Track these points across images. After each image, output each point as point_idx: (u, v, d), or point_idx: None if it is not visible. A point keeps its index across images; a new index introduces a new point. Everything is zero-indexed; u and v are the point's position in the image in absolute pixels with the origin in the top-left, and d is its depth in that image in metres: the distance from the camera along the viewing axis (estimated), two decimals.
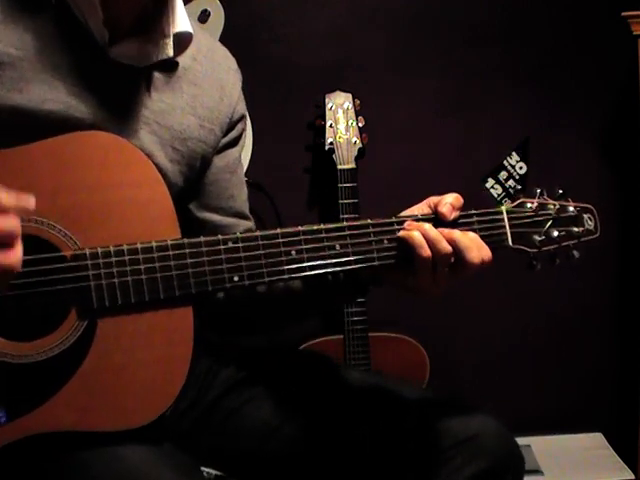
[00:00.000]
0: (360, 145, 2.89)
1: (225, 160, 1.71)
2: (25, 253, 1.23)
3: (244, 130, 1.76)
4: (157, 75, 1.55)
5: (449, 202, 1.48)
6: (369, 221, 1.48)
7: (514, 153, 3.19)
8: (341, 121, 2.90)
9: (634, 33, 2.72)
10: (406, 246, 1.45)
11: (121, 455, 1.36)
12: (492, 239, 1.51)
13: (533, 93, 3.19)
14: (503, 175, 3.20)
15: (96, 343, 1.35)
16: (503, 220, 1.54)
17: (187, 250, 1.38)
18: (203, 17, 2.86)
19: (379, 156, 3.05)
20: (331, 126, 2.89)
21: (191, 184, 1.64)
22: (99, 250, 1.33)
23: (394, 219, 1.49)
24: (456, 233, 1.45)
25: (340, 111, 2.90)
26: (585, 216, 1.60)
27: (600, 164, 3.21)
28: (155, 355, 1.39)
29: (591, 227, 1.60)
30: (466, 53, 3.15)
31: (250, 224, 1.77)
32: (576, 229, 1.58)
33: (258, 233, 1.43)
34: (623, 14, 2.71)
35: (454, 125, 3.19)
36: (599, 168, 3.21)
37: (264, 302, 1.68)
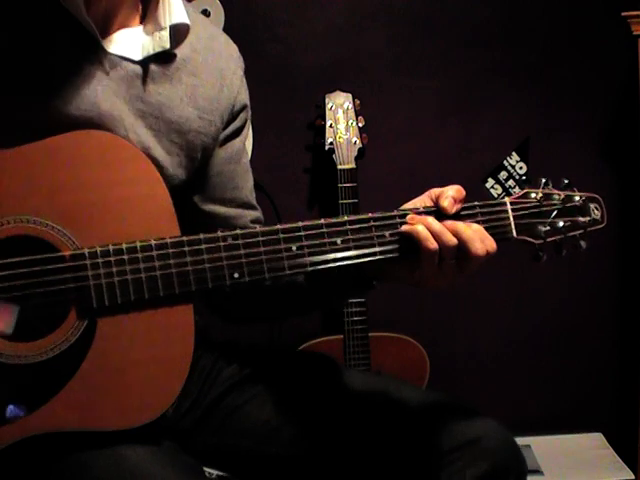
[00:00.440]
0: (360, 145, 2.89)
1: (229, 151, 1.69)
2: (23, 253, 1.23)
3: (247, 119, 1.74)
4: (154, 67, 1.53)
5: (450, 195, 1.47)
6: (370, 215, 1.47)
7: (514, 153, 3.19)
8: (341, 121, 2.90)
9: (634, 33, 2.72)
10: (411, 240, 1.44)
11: (122, 455, 1.36)
12: (496, 231, 1.49)
13: (533, 93, 3.19)
14: (503, 175, 3.20)
15: (96, 342, 1.35)
16: (507, 211, 1.52)
17: (186, 248, 1.38)
18: None
19: (379, 156, 3.06)
20: (331, 126, 2.89)
21: (194, 176, 1.63)
22: (98, 249, 1.33)
23: (396, 212, 1.48)
24: (459, 225, 1.44)
25: (340, 111, 2.90)
26: (591, 205, 1.57)
27: (600, 164, 3.21)
28: (156, 354, 1.39)
29: (597, 217, 1.57)
30: (466, 53, 3.15)
31: (257, 214, 1.77)
32: (582, 219, 1.55)
33: (258, 229, 1.42)
34: (623, 14, 2.71)
35: (454, 125, 3.19)
36: (599, 168, 3.20)
37: (267, 293, 1.67)
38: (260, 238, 1.42)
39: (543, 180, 1.56)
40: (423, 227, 1.43)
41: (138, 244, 1.35)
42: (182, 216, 1.44)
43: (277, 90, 3.12)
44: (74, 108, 1.42)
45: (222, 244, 1.40)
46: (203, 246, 1.39)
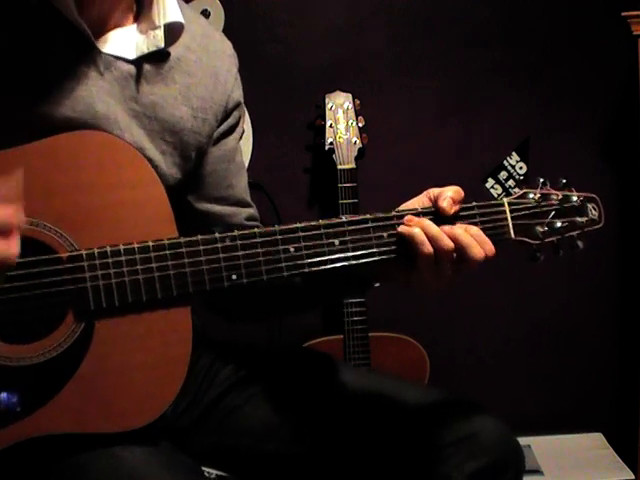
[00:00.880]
0: (360, 145, 2.89)
1: (222, 149, 1.69)
2: (21, 255, 1.23)
3: (241, 117, 1.74)
4: (148, 67, 1.53)
5: (449, 196, 1.46)
6: (368, 216, 1.47)
7: (514, 153, 3.19)
8: (341, 121, 2.90)
9: (634, 33, 2.72)
10: (407, 242, 1.44)
11: (120, 457, 1.36)
12: (494, 232, 1.49)
13: (533, 93, 3.18)
14: (503, 175, 3.20)
15: (93, 345, 1.35)
16: (505, 212, 1.51)
17: (184, 249, 1.38)
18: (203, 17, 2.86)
19: (379, 156, 3.06)
20: (331, 126, 2.89)
21: (189, 175, 1.63)
22: (95, 251, 1.33)
23: (394, 213, 1.47)
24: (457, 230, 1.44)
25: (340, 111, 2.90)
26: (589, 206, 1.56)
27: (600, 164, 3.21)
28: (153, 357, 1.39)
29: (595, 217, 1.56)
30: (466, 53, 3.15)
31: (251, 211, 1.76)
32: (580, 219, 1.54)
33: (256, 230, 1.42)
34: (623, 14, 2.71)
35: (454, 125, 3.19)
36: (599, 168, 3.20)
37: (265, 292, 1.66)
38: (258, 239, 1.41)
39: (541, 180, 1.56)
40: (419, 230, 1.43)
41: (136, 246, 1.35)
42: (177, 216, 1.43)
43: (277, 90, 3.12)
44: (69, 109, 1.42)
45: (220, 245, 1.39)
46: (201, 247, 1.38)
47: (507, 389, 3.23)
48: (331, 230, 1.45)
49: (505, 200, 1.52)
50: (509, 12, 3.14)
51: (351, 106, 2.91)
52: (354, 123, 2.90)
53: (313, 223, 1.44)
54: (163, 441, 1.49)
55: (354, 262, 1.46)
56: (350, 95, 2.92)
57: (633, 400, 3.04)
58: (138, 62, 1.51)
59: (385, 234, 1.46)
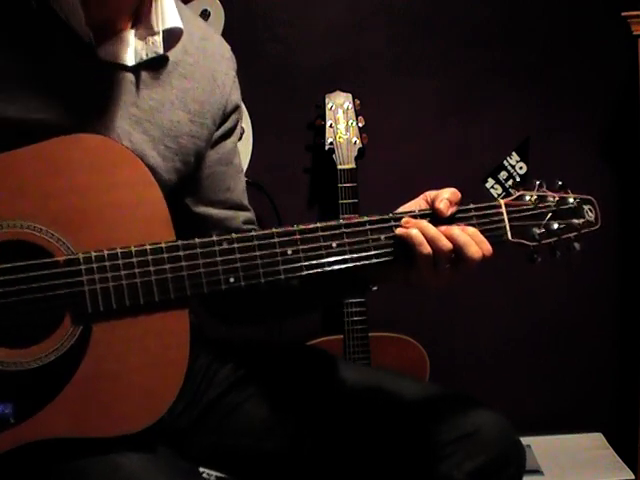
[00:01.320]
0: (360, 145, 2.89)
1: (220, 152, 1.69)
2: (17, 259, 1.23)
3: (239, 120, 1.73)
4: (146, 72, 1.53)
5: (446, 197, 1.47)
6: (366, 218, 1.47)
7: (514, 153, 3.19)
8: (341, 121, 2.90)
9: (634, 33, 2.71)
10: (405, 244, 1.45)
11: (117, 463, 1.36)
12: (491, 233, 1.49)
13: (533, 93, 3.18)
14: (503, 175, 3.20)
15: (91, 349, 1.35)
16: (502, 214, 1.52)
17: (181, 252, 1.38)
18: (203, 17, 2.86)
19: (379, 156, 3.05)
20: (331, 126, 2.89)
21: (186, 180, 1.62)
22: (92, 254, 1.33)
23: (391, 215, 1.48)
24: (455, 229, 1.44)
25: (340, 111, 2.90)
26: (585, 207, 1.57)
27: (600, 164, 3.21)
28: (151, 360, 1.38)
29: (591, 218, 1.57)
30: (466, 53, 3.14)
31: (249, 215, 1.76)
32: (576, 221, 1.55)
33: (253, 233, 1.42)
34: (623, 14, 2.71)
35: (454, 125, 3.19)
36: (599, 168, 3.20)
37: (263, 295, 1.66)
38: (255, 242, 1.41)
39: (537, 182, 1.56)
40: (417, 231, 1.44)
41: (133, 249, 1.35)
42: (175, 219, 1.43)
43: (277, 90, 3.12)
44: (67, 115, 1.43)
45: (217, 249, 1.39)
46: (198, 251, 1.38)
47: (507, 389, 3.23)
48: (329, 233, 1.45)
49: (502, 202, 1.53)
50: (509, 12, 3.14)
51: (351, 106, 2.91)
52: (354, 123, 2.90)
53: (310, 226, 1.44)
54: (161, 446, 1.48)
55: (352, 265, 1.46)
56: (350, 95, 2.92)
57: (633, 400, 3.04)
58: (137, 68, 1.51)
59: (382, 236, 1.47)
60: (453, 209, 1.48)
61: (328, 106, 2.90)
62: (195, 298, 1.41)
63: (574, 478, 2.98)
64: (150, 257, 1.36)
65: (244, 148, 2.90)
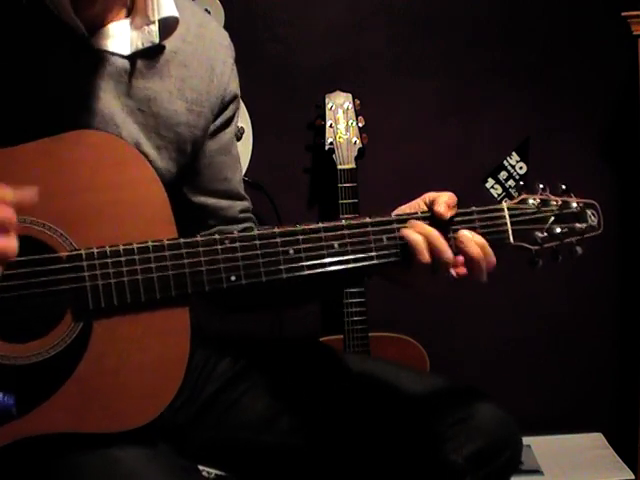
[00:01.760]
0: (360, 145, 2.89)
1: (218, 142, 1.69)
2: (20, 254, 1.23)
3: (237, 110, 1.73)
4: (143, 62, 1.53)
5: (445, 201, 1.47)
6: (368, 220, 1.47)
7: (514, 153, 3.19)
8: (341, 121, 2.90)
9: (634, 33, 2.72)
10: (407, 247, 1.45)
11: (116, 458, 1.36)
12: (493, 236, 1.50)
13: (533, 93, 3.18)
14: (503, 175, 3.20)
15: (92, 345, 1.35)
16: (504, 217, 1.52)
17: (184, 250, 1.37)
18: None
19: (379, 156, 3.06)
20: (331, 126, 2.89)
21: (184, 169, 1.62)
22: (95, 250, 1.33)
23: (394, 217, 1.48)
24: (470, 246, 1.45)
25: (340, 111, 2.90)
26: (588, 212, 1.57)
27: (600, 164, 3.21)
28: (151, 357, 1.38)
29: (594, 223, 1.57)
30: (466, 53, 3.15)
31: (246, 204, 1.77)
32: (579, 225, 1.55)
33: (255, 232, 1.42)
34: (623, 14, 2.71)
35: (454, 125, 3.19)
36: (599, 168, 3.20)
37: (263, 287, 1.67)
38: (257, 242, 1.41)
39: (540, 186, 1.57)
40: (423, 239, 1.44)
41: (135, 246, 1.35)
42: (173, 209, 1.43)
43: (277, 90, 3.12)
44: (64, 107, 1.43)
45: (219, 247, 1.40)
46: (200, 249, 1.38)
47: (507, 389, 3.21)
48: (330, 233, 1.45)
49: (504, 205, 1.53)
50: (509, 12, 3.14)
51: (351, 106, 2.91)
52: (354, 123, 2.90)
53: (312, 226, 1.45)
54: (161, 443, 1.48)
55: (353, 265, 1.46)
56: (350, 95, 2.92)
57: (633, 400, 3.04)
58: (132, 57, 1.51)
59: (384, 237, 1.47)
60: (452, 212, 1.48)
61: (328, 106, 2.90)
62: (196, 296, 1.40)
63: (574, 478, 2.98)
64: (152, 254, 1.36)
65: (244, 148, 2.90)
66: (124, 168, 1.39)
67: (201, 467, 2.05)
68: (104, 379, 1.36)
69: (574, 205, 1.56)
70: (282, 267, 1.43)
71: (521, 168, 3.19)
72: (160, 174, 1.44)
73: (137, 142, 1.49)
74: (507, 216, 1.52)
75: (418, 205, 1.52)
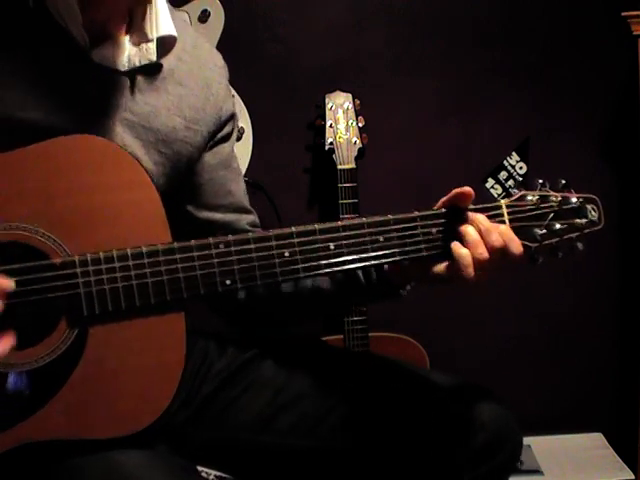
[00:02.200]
0: (360, 145, 2.89)
1: (218, 157, 1.70)
2: (13, 261, 1.23)
3: (235, 127, 1.75)
4: (141, 77, 1.54)
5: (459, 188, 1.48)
6: (364, 220, 1.47)
7: (514, 153, 3.19)
8: (341, 121, 2.90)
9: (634, 33, 2.71)
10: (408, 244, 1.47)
11: (115, 461, 1.36)
12: None
13: (533, 93, 3.18)
14: (503, 175, 3.20)
15: (87, 351, 1.35)
16: (503, 215, 1.51)
17: (178, 255, 1.37)
18: (203, 17, 2.86)
19: (379, 156, 3.05)
20: (331, 126, 2.89)
21: (182, 185, 1.63)
22: (88, 257, 1.33)
23: (390, 217, 1.48)
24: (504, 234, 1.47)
25: (340, 111, 2.90)
26: (589, 207, 1.56)
27: (600, 164, 3.20)
28: (147, 362, 1.39)
29: (595, 218, 1.56)
30: (466, 53, 3.14)
31: (253, 217, 1.77)
32: (579, 221, 1.54)
33: (250, 235, 1.42)
34: (623, 14, 2.70)
35: (454, 125, 3.19)
36: (599, 168, 3.19)
37: (289, 301, 1.68)
38: (252, 245, 1.41)
39: (540, 182, 1.55)
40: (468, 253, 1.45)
41: (129, 251, 1.35)
42: (176, 227, 1.43)
43: (277, 90, 3.12)
44: (62, 119, 1.43)
45: (214, 251, 1.39)
46: (195, 253, 1.38)
47: (507, 389, 3.20)
48: (327, 235, 1.45)
49: (503, 202, 1.52)
50: (509, 12, 3.14)
51: (351, 106, 2.91)
52: (354, 123, 2.90)
53: (308, 228, 1.44)
54: (160, 445, 1.49)
55: (350, 266, 1.46)
56: (350, 95, 2.92)
57: (633, 400, 3.04)
58: (131, 73, 1.52)
59: (381, 237, 1.46)
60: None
61: (328, 106, 2.90)
62: (192, 300, 1.40)
63: (574, 478, 2.98)
64: (146, 260, 1.36)
65: (244, 148, 2.90)
66: (117, 172, 1.39)
67: (200, 468, 2.05)
68: (100, 384, 1.36)
69: (574, 200, 1.55)
70: (277, 270, 1.42)
71: (521, 168, 3.19)
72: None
73: (136, 157, 1.49)
74: (505, 213, 1.51)
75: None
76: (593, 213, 1.56)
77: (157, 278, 1.36)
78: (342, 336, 2.87)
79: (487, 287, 3.07)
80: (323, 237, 1.44)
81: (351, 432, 1.64)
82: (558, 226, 1.53)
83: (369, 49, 3.14)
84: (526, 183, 1.56)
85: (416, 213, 1.49)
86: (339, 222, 1.46)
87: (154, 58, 1.53)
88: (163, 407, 1.40)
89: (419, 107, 3.18)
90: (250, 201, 1.80)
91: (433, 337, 3.13)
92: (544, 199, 1.54)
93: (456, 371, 3.17)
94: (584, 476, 2.98)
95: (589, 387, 3.31)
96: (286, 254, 1.42)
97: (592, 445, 3.20)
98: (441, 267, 1.49)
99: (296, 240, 1.43)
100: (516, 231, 1.50)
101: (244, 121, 2.91)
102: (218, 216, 1.70)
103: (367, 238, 1.46)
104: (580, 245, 1.55)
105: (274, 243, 1.42)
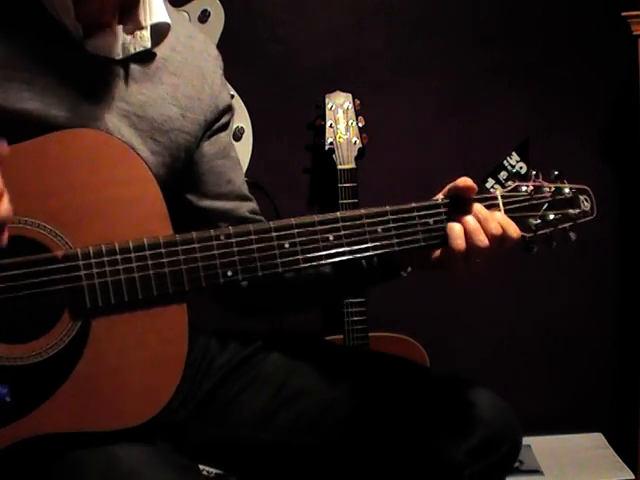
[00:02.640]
0: (360, 145, 2.89)
1: (216, 146, 1.71)
2: (16, 254, 1.23)
3: (232, 119, 1.76)
4: (135, 67, 1.55)
5: (462, 179, 1.52)
6: (362, 211, 1.48)
7: (514, 153, 3.18)
8: (341, 121, 2.90)
9: (634, 33, 2.72)
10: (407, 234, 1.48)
11: (115, 456, 1.36)
12: None
13: (533, 93, 3.18)
14: (503, 175, 3.18)
15: (90, 344, 1.35)
16: (498, 205, 1.54)
17: (179, 247, 1.38)
18: (203, 17, 2.86)
19: (379, 156, 3.05)
20: (331, 126, 2.89)
21: (182, 175, 1.64)
22: (90, 249, 1.33)
23: (388, 209, 1.49)
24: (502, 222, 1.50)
25: (340, 111, 2.90)
26: (581, 197, 1.59)
27: (600, 164, 3.20)
28: (150, 355, 1.39)
29: (587, 208, 1.59)
30: (466, 53, 3.15)
31: (253, 204, 1.78)
32: (572, 211, 1.57)
33: (251, 227, 1.43)
34: (623, 14, 2.71)
35: (454, 125, 3.19)
36: (599, 168, 3.19)
37: (291, 287, 1.68)
38: (253, 236, 1.42)
39: (533, 172, 1.58)
40: (460, 227, 1.48)
41: (131, 244, 1.36)
42: (177, 216, 1.44)
43: (277, 90, 3.12)
44: (56, 109, 1.44)
45: (215, 243, 1.40)
46: (196, 245, 1.39)
47: (507, 389, 3.20)
48: (326, 226, 1.46)
49: (498, 193, 1.54)
50: (509, 12, 3.14)
51: (351, 106, 2.91)
52: (354, 123, 2.90)
53: (307, 219, 1.46)
54: (160, 441, 1.49)
55: (349, 257, 1.47)
56: (350, 95, 2.92)
57: (633, 400, 3.03)
58: (125, 62, 1.53)
59: (379, 228, 1.48)
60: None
61: (328, 106, 2.90)
62: (194, 292, 1.40)
63: (574, 478, 2.97)
64: (148, 252, 1.36)
65: (244, 148, 2.90)
66: (117, 166, 1.40)
67: (201, 466, 2.05)
68: (103, 377, 1.37)
69: (567, 191, 1.58)
70: (278, 261, 1.44)
71: (521, 168, 3.18)
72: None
73: (132, 146, 1.49)
74: (501, 204, 1.54)
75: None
76: (586, 203, 1.59)
77: (159, 270, 1.37)
78: (342, 336, 2.87)
79: (486, 288, 3.08)
80: (322, 228, 1.45)
81: (351, 427, 1.64)
82: (552, 216, 1.56)
83: (369, 49, 3.14)
84: (520, 174, 1.58)
85: (413, 204, 1.50)
86: (338, 213, 1.47)
87: (149, 45, 1.53)
88: (166, 399, 1.40)
89: (419, 107, 3.18)
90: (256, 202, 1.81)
91: (433, 337, 3.13)
92: (538, 190, 1.58)
93: (456, 371, 3.19)
94: (584, 476, 2.98)
95: (589, 387, 3.30)
96: (286, 245, 1.44)
97: (592, 445, 3.19)
98: (437, 252, 1.52)
99: (296, 231, 1.44)
100: (512, 221, 1.53)
101: (244, 121, 2.91)
102: (219, 204, 1.71)
103: (366, 229, 1.47)
104: (573, 235, 1.58)
105: (274, 234, 1.43)
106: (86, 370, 1.35)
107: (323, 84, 2.98)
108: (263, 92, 3.05)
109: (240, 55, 3.03)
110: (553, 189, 1.57)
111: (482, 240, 1.46)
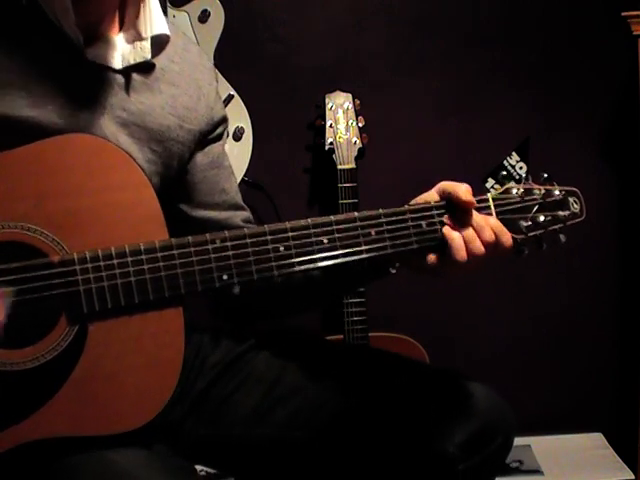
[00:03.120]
0: (360, 145, 2.89)
1: (210, 156, 1.72)
2: (12, 260, 1.23)
3: (226, 130, 1.77)
4: (135, 76, 1.55)
5: (467, 190, 1.50)
6: (356, 214, 1.48)
7: (514, 153, 3.18)
8: (341, 121, 2.90)
9: (634, 33, 2.71)
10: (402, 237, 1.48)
11: (111, 460, 1.36)
12: None
13: (533, 93, 3.18)
14: (503, 175, 3.19)
15: (87, 348, 1.35)
16: (489, 208, 1.54)
17: (175, 251, 1.38)
18: (203, 17, 2.87)
19: (379, 156, 3.05)
20: (331, 126, 2.89)
21: (167, 185, 1.64)
22: (87, 254, 1.33)
23: (381, 212, 1.49)
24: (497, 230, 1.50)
25: (340, 111, 2.91)
26: (570, 199, 1.59)
27: (600, 164, 3.21)
28: (146, 359, 1.39)
29: (577, 210, 1.59)
30: (466, 53, 3.15)
31: (247, 214, 1.79)
32: (562, 213, 1.57)
33: (246, 231, 1.43)
34: (623, 14, 2.70)
35: (454, 125, 3.19)
36: (599, 168, 3.20)
37: (283, 291, 1.68)
38: (248, 240, 1.42)
39: (523, 175, 1.58)
40: (459, 236, 1.48)
41: (127, 248, 1.35)
42: (171, 226, 1.44)
43: (277, 90, 3.12)
44: (55, 116, 1.44)
45: (210, 247, 1.40)
46: (192, 249, 1.39)
47: (507, 389, 3.20)
48: (320, 229, 1.46)
49: (489, 196, 1.55)
50: (509, 12, 3.14)
51: (351, 106, 2.91)
52: (354, 123, 2.90)
53: (302, 222, 1.46)
54: (157, 444, 1.49)
55: (343, 260, 1.47)
56: (350, 95, 2.92)
57: (633, 400, 3.03)
58: (125, 71, 1.53)
59: (373, 231, 1.48)
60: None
61: (328, 106, 2.90)
62: (189, 296, 1.41)
63: (574, 478, 2.97)
64: (144, 256, 1.36)
65: (244, 148, 2.90)
66: (113, 171, 1.40)
67: (198, 467, 2.05)
68: (101, 382, 1.37)
69: (557, 193, 1.58)
70: (273, 264, 1.44)
71: (521, 168, 3.18)
72: None
73: (129, 155, 1.50)
74: (492, 207, 1.54)
75: (432, 195, 1.53)
76: (575, 205, 1.60)
77: (155, 274, 1.37)
78: (342, 336, 2.87)
79: (487, 288, 3.08)
80: (316, 231, 1.46)
81: (345, 423, 1.64)
82: (542, 218, 1.56)
83: (369, 49, 3.14)
84: (510, 176, 1.59)
85: (406, 207, 1.51)
86: (332, 217, 1.47)
87: (149, 56, 1.54)
88: (163, 402, 1.40)
89: (419, 107, 3.18)
90: (250, 201, 1.82)
91: (433, 337, 3.13)
92: (528, 192, 1.57)
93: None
94: (584, 476, 2.98)
95: (589, 387, 3.31)
96: (281, 249, 1.44)
97: (592, 445, 3.19)
98: (432, 258, 1.51)
99: (290, 234, 1.44)
100: (503, 224, 1.53)
101: (244, 121, 2.91)
102: (212, 214, 1.71)
103: (359, 232, 1.47)
104: (563, 237, 1.59)
105: (269, 238, 1.44)
106: (83, 375, 1.35)
107: (323, 84, 2.98)
108: (263, 92, 3.05)
109: (240, 55, 3.03)
110: (543, 191, 1.58)
111: (478, 247, 1.47)
